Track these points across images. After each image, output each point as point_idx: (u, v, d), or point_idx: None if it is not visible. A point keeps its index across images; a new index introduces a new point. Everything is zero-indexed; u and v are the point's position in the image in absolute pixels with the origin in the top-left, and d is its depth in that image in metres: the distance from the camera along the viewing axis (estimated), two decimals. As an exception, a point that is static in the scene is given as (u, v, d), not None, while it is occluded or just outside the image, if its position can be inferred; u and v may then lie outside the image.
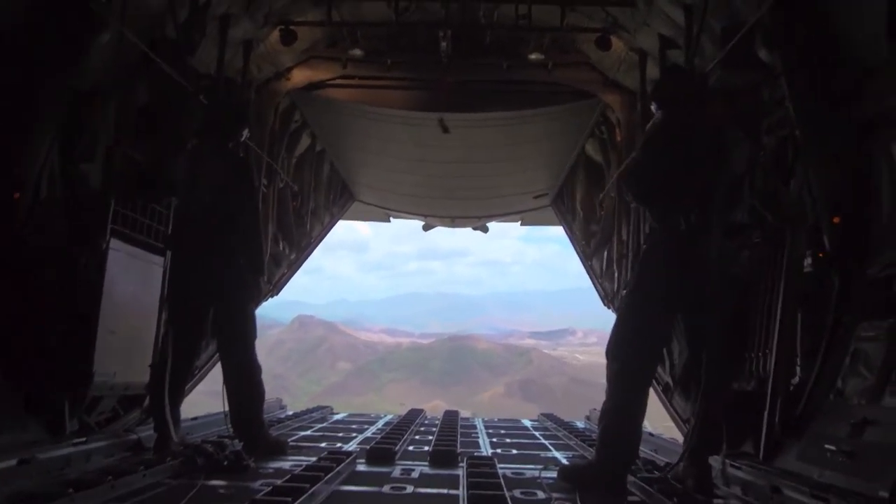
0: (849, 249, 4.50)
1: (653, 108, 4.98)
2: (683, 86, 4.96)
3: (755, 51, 5.34)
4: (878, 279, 4.40)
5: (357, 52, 9.37)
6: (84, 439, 4.54)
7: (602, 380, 4.67)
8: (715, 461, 4.47)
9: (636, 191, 4.99)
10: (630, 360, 4.52)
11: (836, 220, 4.56)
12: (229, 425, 5.41)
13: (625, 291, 4.90)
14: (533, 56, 9.30)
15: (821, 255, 4.69)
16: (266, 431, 5.62)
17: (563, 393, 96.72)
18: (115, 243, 5.55)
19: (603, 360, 4.71)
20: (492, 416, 10.07)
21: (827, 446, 3.93)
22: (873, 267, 4.47)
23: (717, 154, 4.55)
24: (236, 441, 5.19)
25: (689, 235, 4.45)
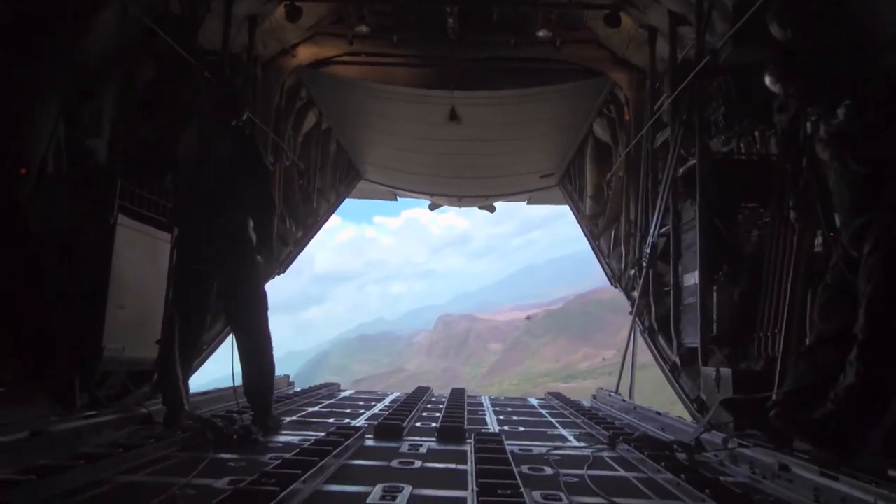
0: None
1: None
2: None
3: (767, 27, 5.27)
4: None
5: (363, 28, 9.29)
6: (95, 413, 4.57)
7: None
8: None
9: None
10: None
11: None
12: (238, 400, 5.44)
13: None
14: (541, 33, 9.22)
15: (831, 234, 4.66)
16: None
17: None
18: (122, 219, 5.55)
19: None
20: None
21: None
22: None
23: None
24: (245, 416, 5.22)
25: None
